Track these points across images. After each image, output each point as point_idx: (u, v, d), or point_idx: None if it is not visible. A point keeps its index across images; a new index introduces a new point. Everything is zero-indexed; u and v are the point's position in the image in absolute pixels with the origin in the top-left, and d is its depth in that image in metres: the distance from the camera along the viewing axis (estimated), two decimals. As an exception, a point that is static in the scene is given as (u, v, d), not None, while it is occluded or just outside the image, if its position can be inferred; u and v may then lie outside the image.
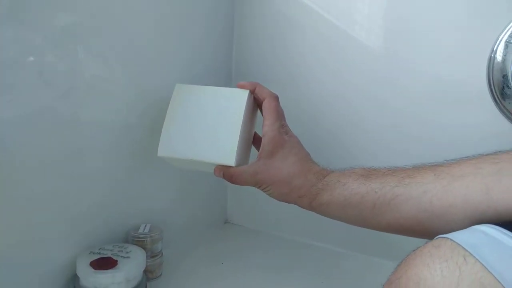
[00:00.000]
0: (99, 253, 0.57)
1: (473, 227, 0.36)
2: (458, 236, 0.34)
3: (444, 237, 0.34)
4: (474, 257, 0.31)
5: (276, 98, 0.59)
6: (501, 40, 0.62)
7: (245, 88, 0.59)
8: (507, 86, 0.62)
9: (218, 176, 0.58)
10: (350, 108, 0.78)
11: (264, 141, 0.56)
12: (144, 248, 0.62)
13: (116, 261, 0.56)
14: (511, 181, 0.38)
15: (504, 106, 0.63)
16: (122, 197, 0.65)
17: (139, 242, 0.64)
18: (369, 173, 0.50)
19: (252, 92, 0.59)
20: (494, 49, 0.62)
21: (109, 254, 0.57)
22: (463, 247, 0.32)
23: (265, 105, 0.58)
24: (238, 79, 0.85)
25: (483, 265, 0.30)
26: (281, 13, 0.83)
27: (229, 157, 0.56)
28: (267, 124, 0.56)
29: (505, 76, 0.62)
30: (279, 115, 0.57)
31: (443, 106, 0.68)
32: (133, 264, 0.56)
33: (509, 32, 0.61)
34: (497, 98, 0.63)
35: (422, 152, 0.71)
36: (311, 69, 0.81)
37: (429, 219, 0.43)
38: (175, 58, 0.73)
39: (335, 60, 0.78)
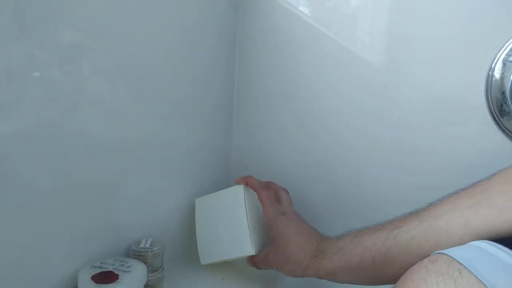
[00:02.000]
0: (101, 267, 0.57)
1: (469, 243, 0.37)
2: (454, 251, 0.35)
3: (440, 253, 0.36)
4: (469, 270, 0.32)
5: (265, 187, 0.68)
6: (498, 59, 0.63)
7: (239, 184, 0.69)
8: (505, 103, 0.63)
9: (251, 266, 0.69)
10: (349, 125, 0.79)
11: (268, 225, 0.65)
12: (145, 263, 0.62)
13: (117, 275, 0.56)
14: (487, 210, 0.42)
15: (502, 124, 0.63)
16: (123, 211, 0.66)
17: (140, 256, 0.64)
18: (362, 233, 0.55)
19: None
20: (492, 67, 0.63)
21: (110, 268, 0.57)
22: (458, 261, 0.33)
23: (258, 197, 0.67)
24: (241, 92, 0.87)
25: (477, 277, 0.31)
26: (282, 29, 0.84)
27: (248, 249, 0.66)
28: (264, 214, 0.65)
29: (503, 94, 0.63)
30: (272, 202, 0.66)
31: (442, 123, 0.69)
32: (134, 278, 0.56)
33: (506, 51, 0.62)
34: (495, 115, 0.64)
35: (421, 167, 0.72)
36: (311, 85, 0.82)
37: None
38: (180, 72, 0.74)
39: (336, 77, 0.79)
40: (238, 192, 0.69)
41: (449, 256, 0.35)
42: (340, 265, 0.54)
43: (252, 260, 0.67)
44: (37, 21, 0.49)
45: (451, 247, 0.41)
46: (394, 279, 0.49)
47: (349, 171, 0.80)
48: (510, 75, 0.62)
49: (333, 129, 0.81)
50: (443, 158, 0.69)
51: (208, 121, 0.85)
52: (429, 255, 0.43)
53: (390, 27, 0.74)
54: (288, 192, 0.72)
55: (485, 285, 0.30)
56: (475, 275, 0.31)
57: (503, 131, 0.63)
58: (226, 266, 0.78)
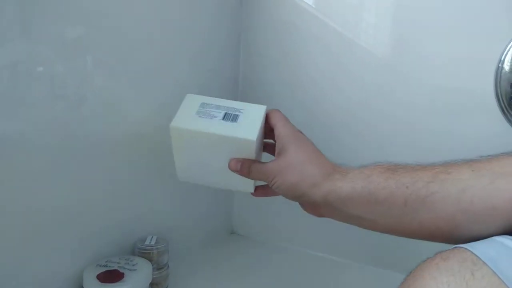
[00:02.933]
0: (106, 266, 0.57)
1: (493, 238, 0.34)
2: (477, 246, 0.33)
3: (458, 247, 0.33)
4: (492, 271, 0.30)
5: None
6: (508, 51, 0.61)
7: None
8: (515, 96, 0.61)
9: (234, 169, 0.52)
10: (354, 117, 0.78)
11: (279, 140, 0.51)
12: (150, 260, 0.62)
13: (123, 273, 0.55)
14: None
15: (511, 116, 0.62)
16: (128, 209, 0.65)
17: (145, 254, 0.63)
18: (396, 167, 0.44)
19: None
20: (502, 59, 0.62)
21: (115, 267, 0.57)
22: (476, 259, 0.31)
23: (275, 114, 0.54)
24: (245, 87, 0.86)
25: (499, 278, 0.29)
26: (287, 21, 0.83)
27: (252, 134, 0.50)
28: (280, 125, 0.52)
29: (512, 86, 0.62)
30: (285, 122, 0.53)
31: (450, 116, 0.68)
32: (139, 276, 0.56)
33: (516, 42, 0.61)
34: (504, 108, 0.63)
35: (430, 158, 0.71)
36: (315, 77, 0.81)
37: (468, 221, 0.38)
38: (183, 67, 0.73)
39: (341, 69, 0.78)
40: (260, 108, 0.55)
41: (467, 251, 0.32)
42: (361, 193, 0.43)
43: (246, 162, 0.52)
44: (41, 17, 0.49)
45: (509, 216, 0.36)
46: (419, 230, 0.42)
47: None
48: (520, 67, 0.61)
49: (337, 122, 0.80)
50: (451, 148, 0.68)
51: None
52: (478, 217, 0.37)
53: (395, 18, 0.73)
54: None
55: (507, 286, 0.29)
56: (498, 276, 0.29)
57: (511, 123, 0.62)
58: (231, 260, 0.78)
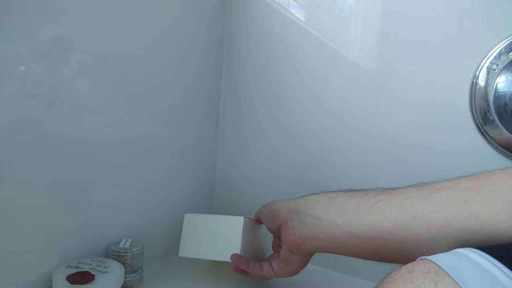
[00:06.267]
0: (77, 267, 0.57)
1: (456, 250, 0.35)
2: (439, 258, 0.34)
3: (422, 259, 0.34)
4: (455, 281, 0.30)
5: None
6: (482, 66, 0.63)
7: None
8: (489, 111, 0.63)
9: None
10: (333, 131, 0.79)
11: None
12: (124, 263, 0.61)
13: (94, 275, 0.55)
14: (488, 196, 0.39)
15: (486, 132, 0.63)
16: (103, 210, 0.65)
17: (119, 257, 0.63)
18: (354, 189, 0.54)
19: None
20: (476, 74, 0.63)
21: (87, 269, 0.57)
22: (439, 270, 0.32)
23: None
24: (228, 93, 0.86)
25: None
26: (271, 31, 0.84)
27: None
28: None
29: (487, 102, 0.63)
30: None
31: (427, 129, 0.69)
32: (110, 279, 0.56)
33: (490, 58, 0.62)
34: (479, 123, 0.64)
35: (406, 173, 0.72)
36: (299, 88, 0.82)
37: (410, 223, 0.44)
38: (163, 72, 0.74)
39: (326, 80, 0.79)
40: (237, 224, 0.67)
41: (431, 263, 0.33)
42: (323, 199, 0.53)
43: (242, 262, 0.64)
44: (16, 16, 0.49)
45: (445, 218, 0.41)
46: (369, 231, 0.48)
47: (333, 173, 0.80)
48: (494, 83, 0.62)
49: (319, 134, 0.81)
50: (426, 164, 0.69)
51: (194, 121, 0.85)
52: (418, 218, 0.43)
53: (381, 32, 0.74)
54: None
55: None
56: (460, 286, 0.30)
57: (486, 139, 0.63)
58: (207, 265, 0.78)
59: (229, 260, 0.64)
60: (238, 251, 0.65)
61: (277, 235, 0.62)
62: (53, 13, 0.53)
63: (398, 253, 0.46)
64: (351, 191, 0.53)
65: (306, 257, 0.59)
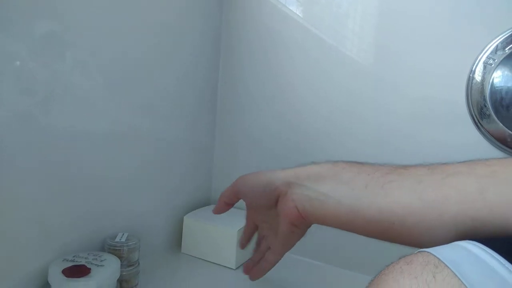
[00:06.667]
0: (73, 261, 0.56)
1: (455, 243, 0.35)
2: (439, 250, 0.33)
3: (422, 251, 0.34)
4: (454, 273, 0.30)
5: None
6: (479, 61, 0.63)
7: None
8: (485, 106, 0.63)
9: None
10: (333, 124, 0.79)
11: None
12: (120, 257, 0.61)
13: (90, 269, 0.55)
14: (504, 185, 0.38)
15: (482, 126, 0.64)
16: (99, 204, 0.65)
17: (115, 251, 0.63)
18: (359, 162, 0.49)
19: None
20: (473, 69, 0.64)
21: (83, 262, 0.56)
22: (439, 262, 0.32)
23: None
24: (224, 92, 0.86)
25: (460, 280, 0.30)
26: (269, 27, 0.84)
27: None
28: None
29: (483, 96, 0.63)
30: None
31: (424, 124, 0.69)
32: (106, 272, 0.55)
33: (487, 53, 0.62)
34: (475, 118, 0.64)
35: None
36: (296, 84, 0.82)
37: (422, 209, 0.42)
38: (161, 70, 0.74)
39: (323, 76, 0.79)
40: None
41: (430, 255, 0.33)
42: (327, 172, 0.48)
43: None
44: (12, 11, 0.48)
45: (459, 206, 0.39)
46: (378, 214, 0.44)
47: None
48: (490, 78, 0.62)
49: (317, 129, 0.81)
50: (423, 158, 0.69)
51: (190, 116, 0.84)
52: (431, 204, 0.40)
53: (378, 29, 0.74)
54: None
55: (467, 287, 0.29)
56: (459, 278, 0.30)
57: (482, 133, 0.64)
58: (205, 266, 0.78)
59: (227, 265, 0.74)
60: (233, 259, 0.75)
61: (266, 212, 0.56)
62: (48, 8, 0.53)
63: (406, 237, 0.44)
64: (357, 165, 0.48)
65: (307, 228, 0.55)
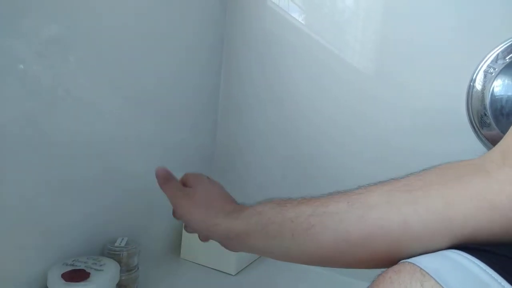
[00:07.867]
0: (72, 265, 0.57)
1: (438, 252, 0.36)
2: (421, 260, 0.34)
3: (405, 262, 0.35)
4: (435, 281, 0.31)
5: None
6: (480, 70, 0.63)
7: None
8: (485, 114, 0.63)
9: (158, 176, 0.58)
10: (327, 137, 0.80)
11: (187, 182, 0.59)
12: (119, 262, 0.61)
13: (89, 273, 0.55)
14: (426, 213, 0.37)
15: (482, 134, 0.64)
16: (99, 209, 0.65)
17: (114, 255, 0.63)
18: (285, 202, 0.48)
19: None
20: (474, 78, 0.64)
21: (82, 266, 0.56)
22: (424, 271, 0.32)
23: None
24: (227, 95, 0.87)
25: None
26: (271, 33, 0.84)
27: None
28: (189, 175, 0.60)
29: (483, 105, 0.63)
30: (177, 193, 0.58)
31: (425, 131, 0.70)
32: (106, 277, 0.56)
33: (488, 62, 0.62)
34: (475, 126, 0.64)
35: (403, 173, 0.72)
36: (298, 89, 0.82)
37: (350, 249, 0.41)
38: (165, 73, 0.74)
39: (325, 82, 0.80)
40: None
41: (414, 265, 0.34)
42: (256, 228, 0.47)
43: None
44: (18, 14, 0.49)
45: (386, 243, 0.39)
46: (311, 259, 0.45)
47: (329, 177, 0.80)
48: (491, 87, 0.62)
49: (318, 134, 0.81)
50: (422, 166, 0.69)
51: (192, 120, 0.85)
52: (357, 244, 0.40)
53: (381, 36, 0.74)
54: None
55: None
56: (442, 287, 0.30)
57: (482, 141, 0.64)
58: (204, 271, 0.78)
59: (226, 271, 0.75)
60: (233, 265, 0.75)
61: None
62: (53, 12, 0.53)
63: (352, 265, 0.44)
64: (282, 208, 0.47)
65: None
